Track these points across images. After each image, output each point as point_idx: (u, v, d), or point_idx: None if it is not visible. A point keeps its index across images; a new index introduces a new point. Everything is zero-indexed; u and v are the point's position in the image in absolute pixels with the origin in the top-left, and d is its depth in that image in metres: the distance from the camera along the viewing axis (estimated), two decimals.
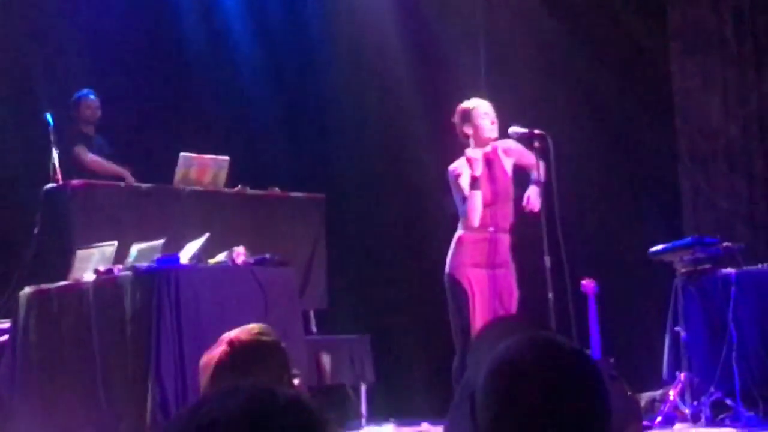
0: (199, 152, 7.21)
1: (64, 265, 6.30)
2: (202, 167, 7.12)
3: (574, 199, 7.31)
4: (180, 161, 7.05)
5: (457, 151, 6.00)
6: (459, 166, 5.86)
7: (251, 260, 6.16)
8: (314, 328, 7.50)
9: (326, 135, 9.02)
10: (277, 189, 7.60)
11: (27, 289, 6.28)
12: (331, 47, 9.07)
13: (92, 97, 7.75)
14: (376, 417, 7.21)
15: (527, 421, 1.56)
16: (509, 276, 5.86)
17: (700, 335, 6.82)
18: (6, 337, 6.39)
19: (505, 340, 1.64)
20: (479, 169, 5.75)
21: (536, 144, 5.87)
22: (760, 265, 6.96)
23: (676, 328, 6.76)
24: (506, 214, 5.88)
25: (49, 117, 7.13)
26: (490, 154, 5.90)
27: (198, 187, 7.05)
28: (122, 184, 7.22)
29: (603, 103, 8.37)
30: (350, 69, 9.02)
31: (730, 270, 6.81)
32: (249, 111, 8.98)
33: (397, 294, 8.62)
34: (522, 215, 5.96)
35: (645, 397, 6.77)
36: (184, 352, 5.48)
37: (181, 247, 6.08)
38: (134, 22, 8.81)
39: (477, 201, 5.74)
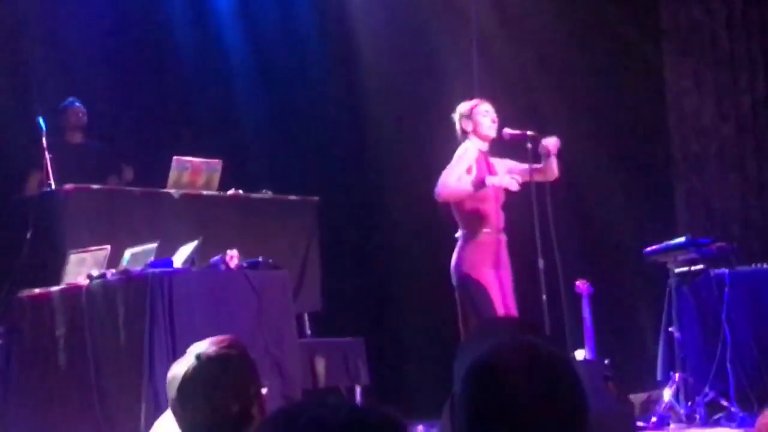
0: (191, 155, 7.19)
1: (56, 269, 6.28)
2: (194, 171, 7.10)
3: (568, 200, 7.31)
4: (173, 165, 7.03)
5: (452, 149, 6.01)
6: (471, 150, 5.86)
7: (244, 263, 6.14)
8: (308, 331, 7.48)
9: (319, 137, 9.01)
10: (270, 192, 7.59)
11: (20, 294, 6.26)
12: (323, 50, 9.07)
13: (77, 104, 7.79)
14: None
15: (501, 424, 1.55)
16: (510, 279, 5.87)
17: (695, 335, 6.83)
18: None
19: (489, 342, 1.64)
20: (492, 182, 5.78)
21: (529, 145, 5.88)
22: (753, 265, 6.97)
23: (670, 329, 6.76)
24: (501, 216, 5.90)
25: (41, 121, 7.12)
26: (488, 156, 5.92)
27: (191, 191, 7.03)
28: (115, 188, 7.20)
29: (596, 104, 8.38)
30: (342, 71, 9.01)
31: (723, 270, 6.82)
32: (242, 114, 8.97)
33: (391, 296, 8.62)
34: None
35: (639, 397, 6.77)
36: (177, 356, 5.41)
37: (174, 250, 6.06)
38: (125, 26, 8.79)
39: (462, 191, 5.75)
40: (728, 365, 6.56)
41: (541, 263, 5.78)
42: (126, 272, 5.81)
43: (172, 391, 2.62)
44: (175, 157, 7.08)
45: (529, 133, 5.93)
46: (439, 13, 8.72)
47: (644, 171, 8.39)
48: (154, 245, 6.03)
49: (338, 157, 8.96)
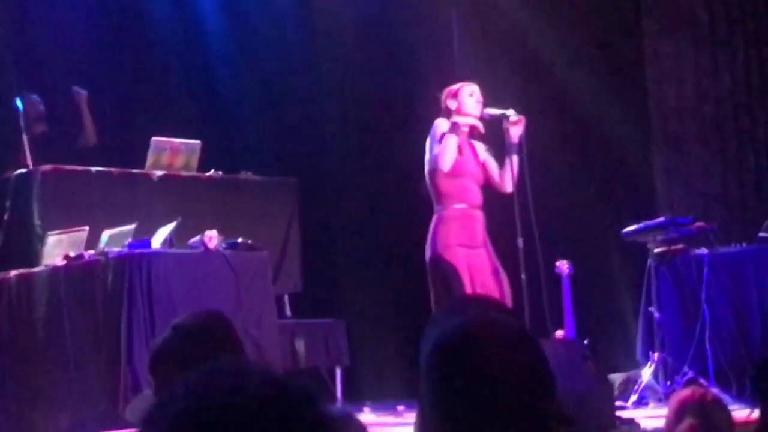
0: (170, 137, 7.16)
1: (34, 250, 6.25)
2: (173, 152, 7.07)
3: (547, 180, 7.31)
4: (151, 146, 7.00)
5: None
6: (444, 125, 5.86)
7: (224, 244, 6.13)
8: (289, 312, 7.48)
9: (299, 118, 8.98)
10: (249, 173, 7.56)
11: None
12: (305, 30, 9.02)
13: (32, 96, 7.71)
14: (351, 400, 7.21)
15: (465, 402, 1.54)
16: (488, 256, 5.84)
17: (674, 315, 6.85)
18: None
19: (454, 320, 1.63)
20: (463, 120, 5.76)
21: (509, 122, 5.87)
22: (733, 246, 6.98)
23: (650, 309, 6.78)
24: (478, 192, 5.88)
25: (18, 102, 7.07)
26: (468, 135, 5.91)
27: (170, 172, 7.00)
28: (93, 169, 7.14)
29: (576, 84, 8.37)
30: (323, 52, 8.98)
31: (703, 250, 6.83)
32: (221, 95, 8.93)
33: (371, 277, 8.61)
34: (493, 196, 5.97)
35: (618, 377, 6.79)
36: (155, 337, 5.44)
37: (152, 232, 6.04)
38: (106, 8, 8.73)
39: (452, 144, 5.74)
40: (707, 345, 6.58)
41: (520, 243, 5.77)
42: (104, 253, 5.79)
43: (150, 362, 2.57)
44: (153, 138, 7.05)
45: (507, 112, 5.92)
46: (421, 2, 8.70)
47: (624, 151, 8.39)
48: (132, 226, 6.01)
49: (318, 138, 8.93)
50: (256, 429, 1.02)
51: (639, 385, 6.54)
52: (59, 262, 5.95)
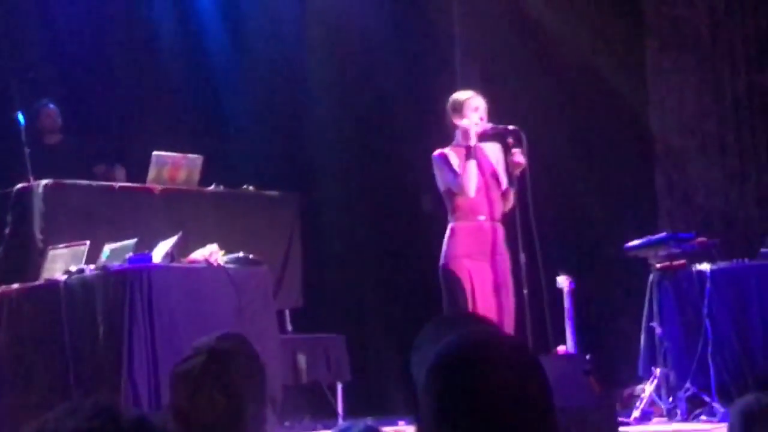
0: (172, 151, 7.16)
1: (35, 264, 6.24)
2: (175, 166, 7.07)
3: (549, 195, 7.30)
4: (153, 160, 6.99)
5: (438, 145, 6.00)
6: (446, 151, 5.86)
7: (225, 259, 6.11)
8: (290, 327, 7.46)
9: (301, 133, 8.98)
10: (251, 187, 7.56)
11: None
12: (306, 43, 9.03)
13: (50, 106, 7.75)
14: (352, 416, 7.18)
15: (467, 417, 1.53)
16: (506, 268, 5.82)
17: (676, 331, 6.83)
18: None
19: (447, 336, 1.62)
20: (474, 140, 5.76)
21: (510, 140, 5.86)
22: (734, 261, 6.96)
23: (652, 324, 6.76)
24: (496, 203, 5.87)
25: (20, 116, 7.07)
26: (476, 147, 5.91)
27: (171, 186, 7.00)
28: (95, 183, 7.14)
29: (578, 100, 8.37)
30: (325, 65, 8.98)
31: (705, 265, 6.82)
32: (223, 109, 8.93)
33: (373, 292, 8.60)
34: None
35: (621, 392, 6.76)
36: (156, 351, 5.44)
37: (154, 246, 6.03)
38: (106, 20, 8.74)
39: (473, 169, 5.74)
40: (709, 360, 6.56)
41: (522, 258, 5.76)
42: (105, 268, 5.78)
43: (181, 388, 2.50)
44: (155, 153, 7.04)
45: (510, 127, 5.91)
46: (422, 7, 8.70)
47: (626, 166, 8.39)
48: (133, 241, 6.00)
49: (320, 153, 8.93)
50: None
51: (641, 401, 6.52)
52: (60, 276, 5.94)
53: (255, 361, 2.54)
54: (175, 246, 5.98)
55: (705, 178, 8.23)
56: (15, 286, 6.16)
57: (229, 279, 5.99)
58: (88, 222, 6.63)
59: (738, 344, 6.68)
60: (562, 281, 6.65)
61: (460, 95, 5.98)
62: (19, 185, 6.84)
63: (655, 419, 6.44)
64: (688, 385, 6.53)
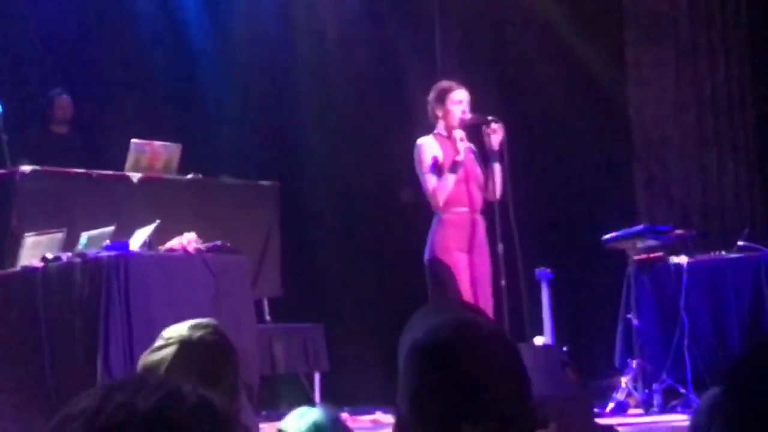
0: (150, 139, 7.13)
1: (12, 252, 6.20)
2: (153, 154, 7.04)
3: (528, 186, 7.31)
4: (131, 148, 6.96)
5: (416, 134, 6.00)
6: (427, 142, 5.85)
7: (203, 247, 6.09)
8: (268, 317, 7.45)
9: (281, 122, 8.96)
10: (230, 176, 7.54)
11: None
12: (287, 32, 9.01)
13: (65, 96, 7.73)
14: (322, 404, 7.18)
15: (442, 402, 1.54)
16: (486, 262, 5.83)
17: (653, 323, 6.86)
18: None
19: (430, 322, 1.63)
20: (462, 154, 5.76)
21: (489, 130, 5.87)
22: (712, 254, 7.01)
23: (629, 316, 6.79)
24: (478, 196, 5.88)
25: None
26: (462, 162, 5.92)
27: (150, 174, 6.97)
28: (72, 170, 7.10)
29: (556, 91, 8.38)
30: (306, 54, 8.96)
31: (682, 258, 6.85)
32: (202, 97, 8.90)
33: (351, 282, 8.59)
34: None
35: (597, 384, 6.79)
36: (133, 340, 5.42)
37: (131, 234, 6.00)
38: (85, 9, 8.69)
39: (450, 183, 5.74)
40: (685, 352, 6.60)
41: (500, 249, 5.77)
42: (82, 255, 5.75)
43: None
44: (133, 140, 7.01)
45: (489, 117, 5.92)
46: None
47: (605, 158, 8.41)
48: (110, 228, 5.97)
49: (299, 142, 8.91)
50: None
51: (617, 392, 6.55)
52: (36, 263, 5.91)
53: (228, 350, 2.48)
54: (153, 234, 5.95)
55: (683, 170, 8.27)
56: None
57: (206, 267, 5.97)
58: (66, 209, 6.60)
59: (714, 337, 6.73)
60: (540, 272, 6.67)
61: (444, 85, 5.98)
62: None
63: (631, 411, 6.46)
64: (664, 376, 6.56)
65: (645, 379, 6.58)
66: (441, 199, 5.77)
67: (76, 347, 5.57)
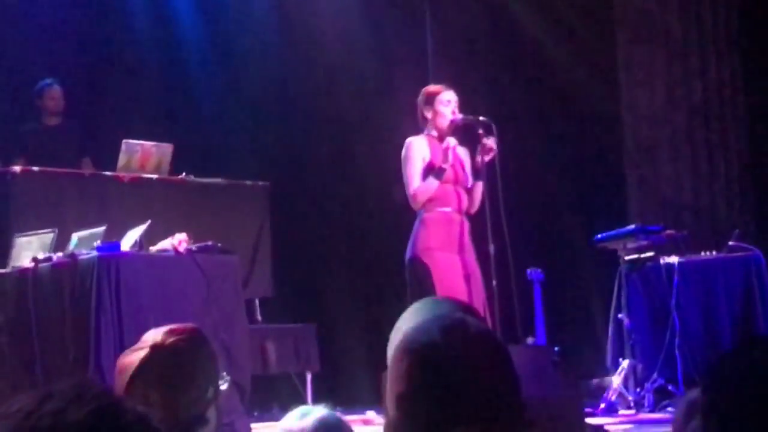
0: (142, 139, 7.12)
1: (2, 252, 6.19)
2: (145, 154, 7.03)
3: (519, 187, 7.32)
4: (123, 148, 6.95)
5: (407, 134, 5.99)
6: (417, 142, 5.85)
7: (194, 248, 6.08)
8: (259, 317, 7.45)
9: (272, 123, 8.96)
10: (221, 177, 7.53)
11: None
12: (278, 33, 9.00)
13: (56, 87, 7.68)
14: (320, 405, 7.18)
15: (430, 404, 1.53)
16: (474, 261, 5.83)
17: (644, 322, 6.87)
18: None
19: (419, 321, 1.62)
20: (449, 161, 5.75)
21: (480, 131, 5.86)
22: (703, 254, 7.02)
23: (620, 316, 6.80)
24: (462, 197, 5.88)
25: None
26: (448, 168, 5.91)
27: (141, 174, 6.96)
28: (64, 170, 7.09)
29: (548, 92, 8.39)
30: (297, 55, 8.96)
31: (673, 258, 6.87)
32: (193, 97, 8.89)
33: (342, 282, 8.59)
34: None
35: (589, 384, 6.80)
36: (124, 340, 5.39)
37: (123, 234, 5.99)
38: (77, 6, 8.68)
39: (432, 188, 5.74)
40: (677, 352, 6.61)
41: (491, 249, 5.77)
42: (73, 256, 5.73)
43: (120, 380, 2.38)
44: (124, 141, 7.00)
45: (481, 118, 5.92)
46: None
47: (596, 159, 8.42)
48: (101, 229, 5.96)
49: (290, 142, 8.91)
50: None
51: (609, 392, 6.56)
52: (27, 264, 5.89)
53: (204, 357, 2.43)
54: (144, 234, 5.94)
55: (674, 171, 8.28)
56: None
57: (197, 268, 5.96)
58: (57, 209, 6.59)
59: (705, 336, 6.74)
60: (532, 273, 6.68)
61: (432, 88, 5.98)
62: None
63: (621, 410, 6.47)
64: (655, 376, 6.57)
65: (636, 378, 6.59)
66: (420, 201, 5.77)
67: (67, 348, 5.56)
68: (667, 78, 8.33)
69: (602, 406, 6.46)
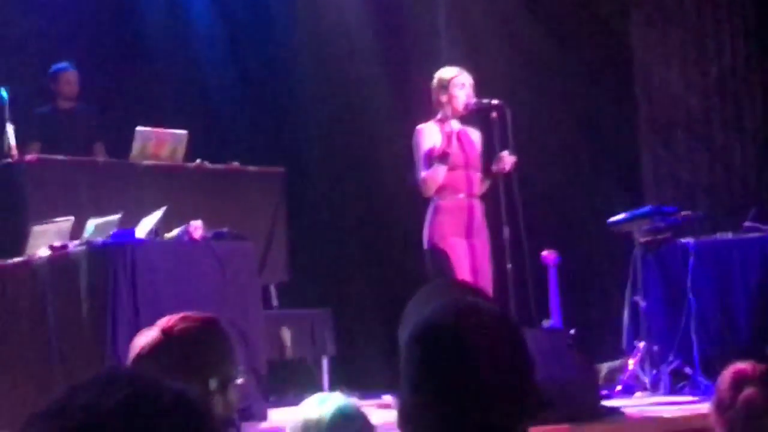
0: (156, 126, 7.13)
1: (19, 241, 6.22)
2: (159, 141, 7.04)
3: (534, 170, 7.30)
4: (137, 135, 6.97)
5: (422, 119, 5.99)
6: (427, 129, 5.85)
7: (209, 234, 6.09)
8: (275, 302, 7.46)
9: (286, 108, 8.96)
10: (236, 163, 7.54)
11: None
12: (290, 19, 8.99)
13: (71, 70, 7.65)
14: (337, 391, 7.20)
15: (445, 388, 1.53)
16: (486, 246, 5.83)
17: (660, 304, 6.85)
18: None
19: (431, 305, 1.62)
20: (453, 145, 5.75)
21: (494, 114, 5.85)
22: (718, 235, 6.99)
23: (635, 298, 6.78)
24: (476, 181, 5.87)
25: (3, 92, 7.02)
26: (460, 129, 5.91)
27: (156, 162, 6.97)
28: (78, 159, 7.11)
29: (563, 74, 8.36)
30: (310, 41, 8.95)
31: (689, 239, 6.84)
32: (208, 84, 8.90)
33: (358, 267, 8.60)
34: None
35: (605, 366, 6.79)
36: (140, 328, 5.34)
37: (138, 222, 6.01)
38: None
39: (440, 174, 5.73)
40: (693, 334, 6.59)
41: (506, 232, 5.77)
42: (88, 243, 5.76)
43: (132, 364, 2.38)
44: (138, 128, 7.01)
45: (494, 102, 5.90)
46: None
47: (611, 141, 8.39)
48: (117, 216, 5.98)
49: (305, 128, 8.91)
50: None
51: (625, 374, 6.55)
52: (43, 252, 5.92)
53: (220, 343, 2.42)
54: (159, 221, 5.96)
55: (690, 152, 8.25)
56: None
57: (213, 254, 5.97)
58: (72, 197, 6.61)
59: (721, 318, 6.72)
60: (547, 255, 6.66)
61: (445, 72, 5.96)
62: (2, 161, 6.82)
63: (638, 393, 6.46)
64: (671, 358, 6.56)
65: (652, 360, 6.57)
66: (430, 187, 5.77)
67: (83, 336, 5.58)
68: (682, 59, 8.29)
69: (618, 388, 6.45)
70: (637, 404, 6.01)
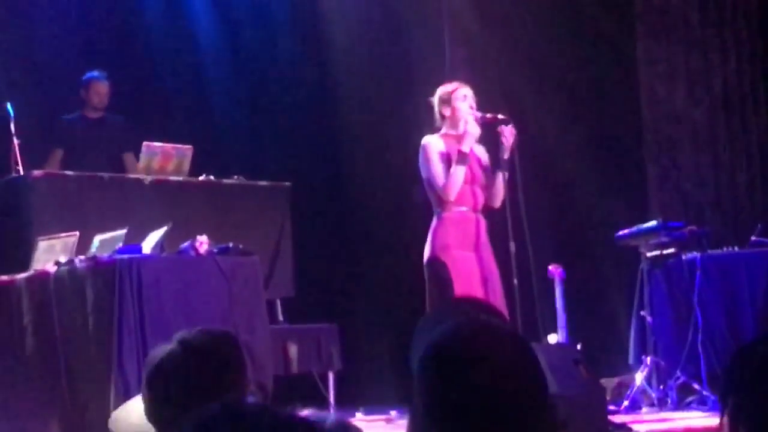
0: (162, 141, 7.14)
1: (25, 256, 6.22)
2: (165, 156, 7.05)
3: (540, 184, 7.30)
4: (142, 150, 6.98)
5: (426, 133, 5.99)
6: (433, 141, 5.85)
7: (215, 249, 6.09)
8: (281, 317, 7.45)
9: (291, 123, 8.96)
10: (241, 177, 7.54)
11: None
12: (294, 33, 9.01)
13: (103, 81, 7.62)
14: (344, 406, 7.18)
15: (459, 406, 1.52)
16: (492, 259, 5.82)
17: (666, 319, 6.84)
18: None
19: (444, 324, 1.61)
20: (467, 146, 5.74)
21: (499, 129, 5.85)
22: (725, 249, 6.98)
23: (642, 313, 6.77)
24: (480, 195, 5.87)
25: (9, 107, 7.04)
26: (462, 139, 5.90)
27: (161, 176, 6.98)
28: (84, 174, 7.11)
29: (568, 87, 8.36)
30: (314, 55, 8.96)
31: (695, 254, 6.83)
32: (213, 99, 8.91)
33: (364, 282, 8.59)
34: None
35: (611, 381, 6.77)
36: (146, 342, 5.41)
37: (144, 236, 6.01)
38: (96, 9, 8.71)
39: (460, 176, 5.73)
40: (700, 349, 6.58)
41: (512, 247, 5.76)
42: (94, 259, 5.76)
43: (144, 373, 2.40)
44: (144, 143, 7.03)
45: (500, 116, 5.90)
46: None
47: (616, 155, 8.39)
48: (123, 231, 5.98)
49: (310, 142, 8.91)
50: None
51: (632, 390, 6.53)
52: (49, 267, 5.92)
53: (236, 357, 2.42)
54: (165, 236, 5.96)
55: (695, 166, 8.24)
56: (4, 277, 6.14)
57: (219, 269, 5.97)
58: (78, 212, 6.61)
59: (728, 332, 6.70)
60: (553, 270, 6.66)
61: (447, 87, 5.97)
62: (8, 176, 6.83)
63: (645, 408, 6.45)
64: (678, 373, 6.54)
65: (659, 375, 6.56)
66: (453, 193, 5.74)
67: (89, 351, 5.58)
68: (687, 74, 8.29)
69: (625, 404, 6.43)
70: (644, 420, 5.99)
